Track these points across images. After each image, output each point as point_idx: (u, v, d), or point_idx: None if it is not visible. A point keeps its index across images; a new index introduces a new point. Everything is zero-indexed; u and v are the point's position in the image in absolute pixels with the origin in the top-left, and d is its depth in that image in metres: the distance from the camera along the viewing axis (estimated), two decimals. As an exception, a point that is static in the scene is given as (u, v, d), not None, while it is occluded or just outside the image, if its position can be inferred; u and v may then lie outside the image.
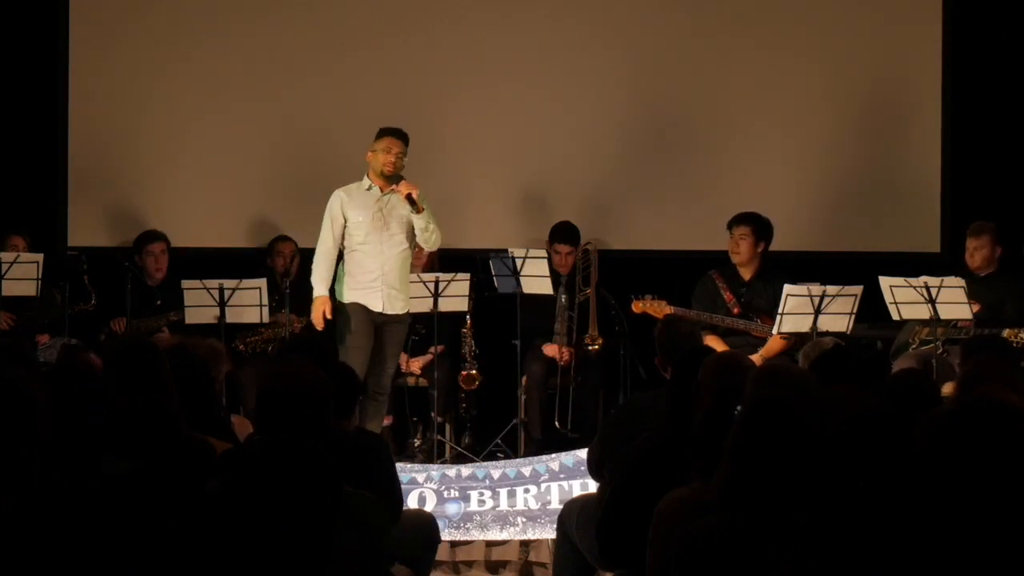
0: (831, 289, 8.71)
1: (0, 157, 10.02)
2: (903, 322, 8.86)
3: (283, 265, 9.59)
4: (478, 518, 7.71)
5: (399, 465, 6.59)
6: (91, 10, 10.09)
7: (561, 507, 6.53)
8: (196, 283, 8.82)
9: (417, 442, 9.34)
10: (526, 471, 7.86)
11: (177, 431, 4.50)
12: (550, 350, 9.31)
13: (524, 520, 7.70)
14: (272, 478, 3.52)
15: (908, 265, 9.29)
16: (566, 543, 6.06)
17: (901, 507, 3.27)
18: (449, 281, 8.80)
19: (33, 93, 10.07)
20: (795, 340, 8.62)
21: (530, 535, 7.70)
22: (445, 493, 7.74)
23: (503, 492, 7.78)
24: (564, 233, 9.55)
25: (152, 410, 4.36)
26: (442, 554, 7.66)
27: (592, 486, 6.41)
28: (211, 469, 4.26)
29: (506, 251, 9.18)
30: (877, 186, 10.30)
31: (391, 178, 8.21)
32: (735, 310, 9.11)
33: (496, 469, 7.91)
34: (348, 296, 8.22)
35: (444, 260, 9.26)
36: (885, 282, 8.70)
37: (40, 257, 8.86)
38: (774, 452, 3.71)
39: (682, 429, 4.87)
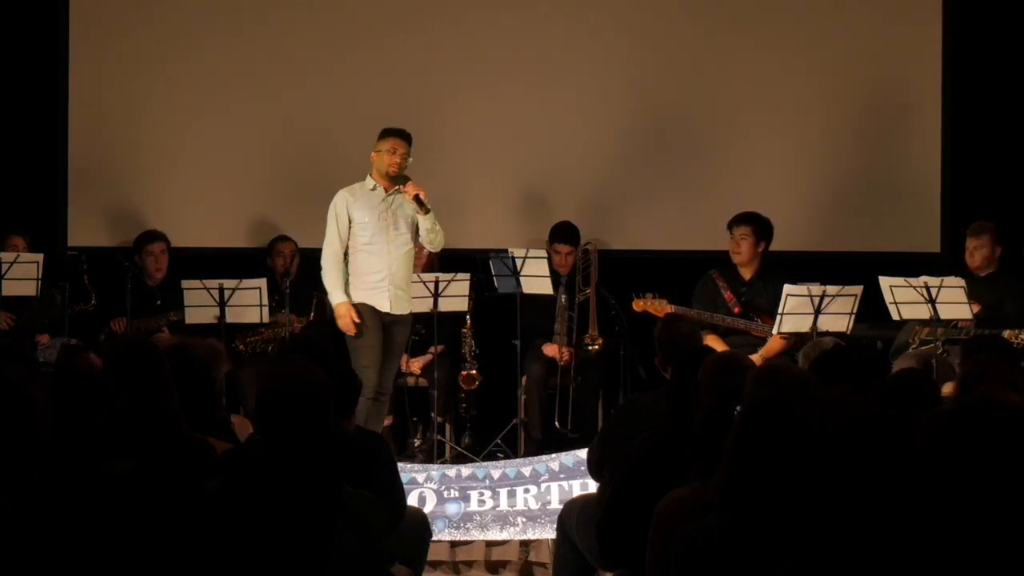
0: (831, 289, 8.71)
1: (0, 157, 10.02)
2: (903, 322, 8.86)
3: (283, 265, 9.59)
4: (478, 518, 7.71)
5: (399, 465, 6.58)
6: (91, 10, 10.09)
7: (561, 507, 6.53)
8: (196, 283, 8.83)
9: (417, 442, 9.34)
10: (526, 471, 7.86)
11: (177, 431, 4.50)
12: (550, 350, 9.31)
13: (524, 520, 7.70)
14: (272, 478, 3.52)
15: (908, 265, 9.29)
16: (566, 543, 6.06)
17: (901, 507, 3.27)
18: (449, 281, 8.80)
19: (33, 93, 10.07)
20: (795, 340, 8.62)
21: (530, 535, 7.69)
22: (445, 493, 7.74)
23: (503, 492, 7.78)
24: (564, 233, 9.55)
25: (152, 410, 4.36)
26: (442, 554, 7.67)
27: (592, 486, 6.41)
28: (211, 469, 4.26)
29: (506, 251, 9.17)
30: (877, 186, 10.30)
31: (395, 178, 8.21)
32: (736, 310, 9.11)
33: (496, 469, 7.91)
34: (355, 297, 8.22)
35: (444, 260, 9.26)
36: (885, 282, 8.70)
37: (40, 257, 8.86)
38: (774, 452, 3.71)
39: (682, 429, 4.88)
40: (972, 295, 8.62)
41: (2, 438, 3.42)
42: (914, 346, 8.82)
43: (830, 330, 8.61)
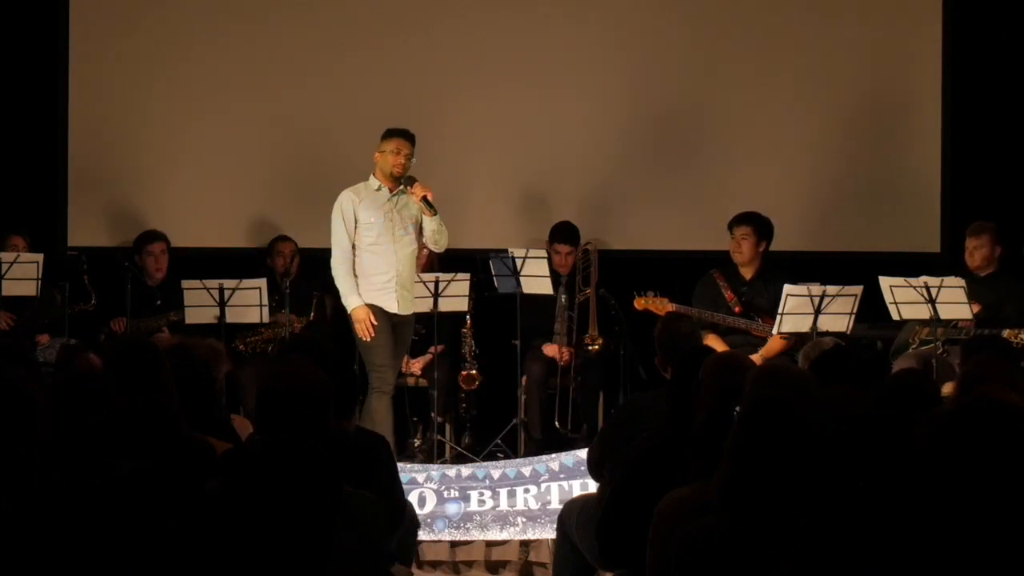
0: (831, 289, 8.71)
1: (0, 157, 10.02)
2: (903, 322, 8.86)
3: (283, 265, 9.59)
4: (478, 518, 7.71)
5: (399, 465, 6.58)
6: (91, 10, 10.09)
7: (561, 507, 6.53)
8: (196, 283, 8.83)
9: (417, 442, 9.34)
10: (526, 471, 7.86)
11: (177, 431, 4.50)
12: (550, 350, 9.31)
13: (524, 520, 7.70)
14: (272, 478, 3.52)
15: (908, 265, 9.29)
16: (566, 543, 6.06)
17: (901, 507, 3.27)
18: (449, 281, 8.80)
19: (33, 93, 10.07)
20: (795, 340, 8.62)
21: (530, 535, 7.69)
22: (445, 493, 7.74)
23: (503, 492, 7.78)
24: (564, 233, 9.55)
25: (152, 410, 4.37)
26: (442, 554, 7.67)
27: (592, 486, 6.40)
28: (211, 469, 4.26)
29: (506, 251, 9.17)
30: (877, 186, 10.30)
31: (400, 179, 8.22)
32: (736, 309, 9.11)
33: (496, 469, 7.91)
34: (365, 298, 8.20)
35: (444, 260, 9.26)
36: (885, 282, 8.70)
37: (40, 257, 8.86)
38: (774, 452, 3.71)
39: (682, 429, 4.87)
40: (972, 295, 8.62)
41: (2, 438, 3.42)
42: (914, 346, 8.82)
43: (830, 330, 8.61)
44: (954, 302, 8.56)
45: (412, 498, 7.55)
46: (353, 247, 8.23)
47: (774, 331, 8.84)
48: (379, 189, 8.26)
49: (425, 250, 8.69)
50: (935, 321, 8.61)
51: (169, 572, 3.59)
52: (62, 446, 3.89)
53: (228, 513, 3.54)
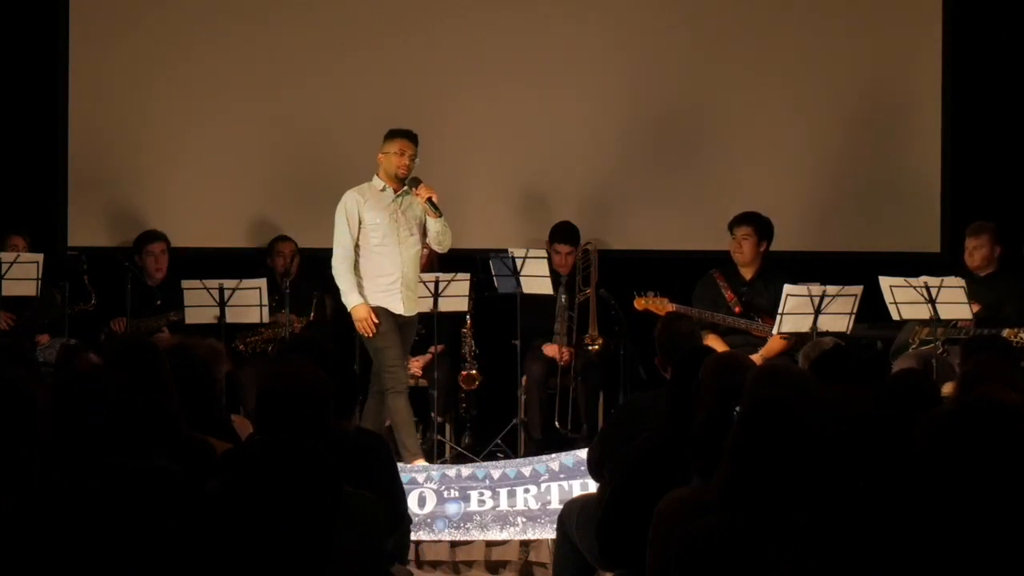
0: (831, 289, 8.72)
1: (0, 157, 10.02)
2: (903, 322, 8.86)
3: (283, 265, 9.59)
4: (478, 518, 7.71)
5: (399, 465, 6.59)
6: (91, 10, 10.09)
7: (561, 507, 6.53)
8: (196, 283, 8.83)
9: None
10: (526, 471, 7.85)
11: (177, 431, 4.50)
12: (550, 350, 9.31)
13: (524, 520, 7.70)
14: (272, 478, 3.52)
15: (908, 265, 9.29)
16: (566, 543, 6.05)
17: (901, 507, 3.27)
18: (449, 281, 8.80)
19: (33, 93, 10.07)
20: (795, 340, 8.62)
21: (530, 535, 7.69)
22: (445, 493, 7.74)
23: (503, 492, 7.78)
24: (564, 233, 9.55)
25: (152, 410, 4.36)
26: (442, 554, 7.67)
27: (592, 486, 6.40)
28: (211, 469, 4.26)
29: (506, 251, 9.18)
30: (877, 186, 10.30)
31: (404, 180, 8.22)
32: (736, 309, 9.11)
33: (496, 469, 7.90)
34: (371, 300, 8.20)
35: (444, 260, 9.26)
36: (885, 282, 8.70)
37: (40, 257, 8.86)
38: (774, 452, 3.71)
39: (682, 429, 4.87)
40: (972, 295, 8.62)
41: (2, 438, 3.42)
42: (914, 346, 8.82)
43: (830, 330, 8.62)
44: (954, 302, 8.56)
45: (412, 498, 7.56)
46: (356, 248, 8.23)
47: (774, 331, 8.84)
48: (384, 190, 8.25)
49: (425, 250, 8.70)
50: (935, 321, 8.61)
51: (169, 572, 3.59)
52: (62, 446, 3.89)
53: (228, 513, 3.54)
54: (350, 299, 8.21)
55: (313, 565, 3.50)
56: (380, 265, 8.22)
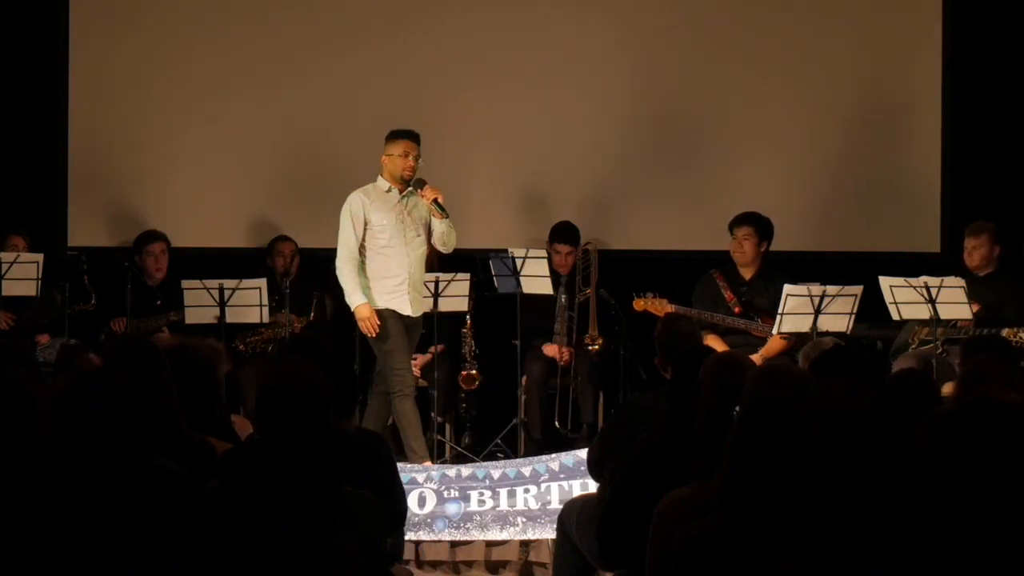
0: (831, 289, 8.72)
1: (0, 157, 10.02)
2: (903, 322, 8.86)
3: (283, 265, 9.59)
4: (478, 518, 7.71)
5: (399, 465, 6.58)
6: (91, 10, 10.09)
7: (561, 507, 6.53)
8: (196, 283, 8.83)
9: (417, 442, 9.33)
10: (526, 471, 7.85)
11: (177, 431, 4.50)
12: (550, 350, 9.31)
13: (524, 520, 7.70)
14: (272, 478, 3.52)
15: (908, 265, 9.29)
16: (566, 543, 6.05)
17: (901, 507, 3.27)
18: (449, 281, 8.80)
19: (33, 93, 10.07)
20: (795, 340, 8.62)
21: (530, 535, 7.69)
22: (445, 493, 7.74)
23: (503, 492, 7.78)
24: (564, 233, 9.55)
25: (152, 410, 4.36)
26: (442, 554, 7.67)
27: (592, 486, 6.40)
28: (211, 469, 4.26)
29: (506, 251, 9.18)
30: (876, 186, 10.30)
31: (409, 181, 8.21)
32: (736, 309, 9.11)
33: (496, 469, 7.90)
34: (378, 302, 8.20)
35: (444, 260, 9.26)
36: (885, 282, 8.70)
37: (40, 257, 8.86)
38: (774, 452, 3.71)
39: (682, 429, 4.87)
40: (972, 295, 8.62)
41: (2, 438, 3.42)
42: (914, 346, 8.83)
43: (830, 330, 8.62)
44: (954, 302, 8.57)
45: (412, 498, 7.56)
46: (362, 249, 8.23)
47: (774, 331, 8.84)
48: (389, 191, 8.25)
49: (439, 251, 8.69)
50: (935, 321, 8.61)
51: (169, 572, 3.59)
52: (62, 446, 3.89)
53: (228, 513, 3.54)
54: (353, 299, 8.21)
55: (313, 565, 3.50)
56: (387, 266, 8.22)
